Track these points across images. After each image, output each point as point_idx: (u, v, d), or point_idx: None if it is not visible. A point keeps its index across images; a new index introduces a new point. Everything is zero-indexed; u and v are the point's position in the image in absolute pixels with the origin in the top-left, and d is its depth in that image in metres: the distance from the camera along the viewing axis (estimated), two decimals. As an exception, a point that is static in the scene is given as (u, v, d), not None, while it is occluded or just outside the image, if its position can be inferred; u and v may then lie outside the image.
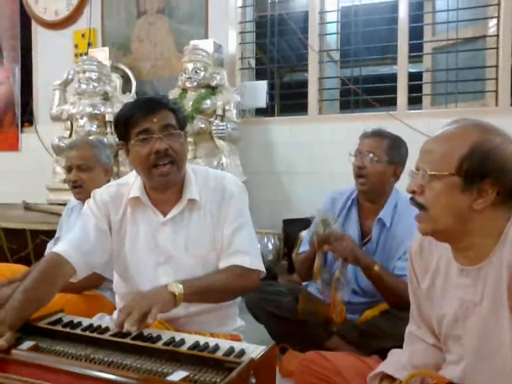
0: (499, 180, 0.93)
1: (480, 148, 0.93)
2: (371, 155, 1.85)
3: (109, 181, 1.97)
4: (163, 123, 1.33)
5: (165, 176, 1.34)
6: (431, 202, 0.97)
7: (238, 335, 1.49)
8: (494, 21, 3.29)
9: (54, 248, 1.37)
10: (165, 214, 1.41)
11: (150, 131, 1.32)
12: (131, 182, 1.45)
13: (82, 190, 1.98)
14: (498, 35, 3.25)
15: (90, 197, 1.48)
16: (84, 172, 1.98)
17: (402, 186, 1.85)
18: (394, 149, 1.87)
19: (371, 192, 1.91)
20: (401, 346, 1.21)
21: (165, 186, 1.38)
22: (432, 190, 0.97)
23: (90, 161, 1.99)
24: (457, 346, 1.04)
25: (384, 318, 1.81)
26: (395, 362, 1.12)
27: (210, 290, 1.32)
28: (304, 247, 2.01)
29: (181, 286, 1.23)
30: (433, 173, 0.96)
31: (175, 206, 1.40)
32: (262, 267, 1.42)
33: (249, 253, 1.39)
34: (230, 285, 1.36)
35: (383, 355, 1.29)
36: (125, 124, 1.35)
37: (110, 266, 1.53)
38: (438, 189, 0.96)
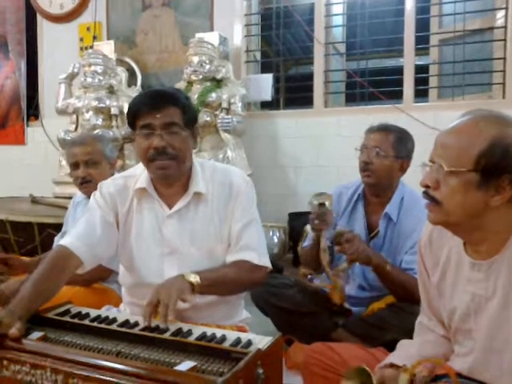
0: None
1: (499, 144, 0.91)
2: (378, 150, 1.84)
3: (113, 174, 1.96)
4: (166, 120, 1.32)
5: (162, 169, 1.34)
6: (446, 198, 0.96)
7: (244, 326, 1.49)
8: (502, 12, 3.25)
9: (60, 241, 1.38)
10: (171, 207, 1.41)
11: (151, 127, 1.33)
12: (138, 174, 1.45)
13: (90, 185, 1.96)
14: (505, 27, 3.22)
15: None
16: (92, 167, 1.97)
17: (408, 178, 1.86)
18: (400, 143, 1.86)
19: (377, 186, 1.90)
20: (406, 339, 1.21)
21: (163, 179, 1.38)
22: (448, 186, 0.95)
23: (96, 155, 1.98)
24: (467, 340, 1.04)
25: (390, 310, 1.81)
26: (404, 354, 1.12)
27: (222, 283, 1.34)
28: (308, 241, 2.00)
29: (197, 277, 1.24)
30: (450, 169, 0.94)
31: (181, 199, 1.40)
32: (268, 263, 1.43)
33: (257, 249, 1.40)
34: (240, 279, 1.37)
35: (389, 347, 1.29)
36: (132, 114, 1.36)
37: (117, 259, 1.54)
38: (454, 185, 0.94)
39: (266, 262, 1.42)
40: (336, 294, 1.81)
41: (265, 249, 1.45)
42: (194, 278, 1.24)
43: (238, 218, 1.40)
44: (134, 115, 1.35)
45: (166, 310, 1.13)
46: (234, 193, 1.41)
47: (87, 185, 1.98)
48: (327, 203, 1.75)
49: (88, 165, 1.97)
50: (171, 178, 1.37)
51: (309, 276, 2.09)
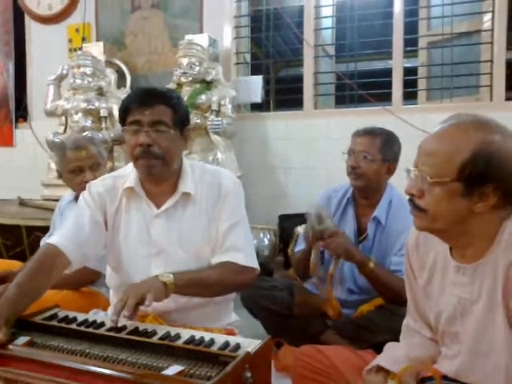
0: (501, 185, 0.91)
1: (482, 152, 0.91)
2: (365, 154, 1.84)
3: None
4: (154, 118, 1.32)
5: (148, 168, 1.34)
6: (431, 206, 0.96)
7: (233, 329, 1.49)
8: (489, 15, 3.29)
9: (48, 239, 1.36)
10: (159, 207, 1.41)
11: (139, 123, 1.32)
12: (127, 174, 1.45)
13: None
14: (492, 30, 3.26)
15: None
16: (96, 170, 1.94)
17: (395, 180, 1.87)
18: (387, 146, 1.87)
19: (366, 189, 1.91)
20: (395, 341, 1.22)
21: (149, 177, 1.38)
22: (432, 195, 0.96)
23: (97, 158, 1.97)
24: (454, 343, 1.05)
25: (379, 312, 1.82)
26: (391, 356, 1.13)
27: (202, 284, 1.32)
28: (300, 246, 2.01)
29: (171, 276, 1.24)
30: (434, 180, 0.94)
31: (169, 199, 1.40)
32: (256, 265, 1.42)
33: (243, 250, 1.39)
34: (224, 281, 1.36)
35: (378, 349, 1.29)
36: (123, 110, 1.36)
37: (105, 261, 1.53)
38: (438, 194, 0.95)
39: (253, 264, 1.40)
40: (330, 308, 1.83)
41: (252, 250, 1.44)
42: (168, 278, 1.23)
43: (225, 218, 1.40)
44: (125, 111, 1.36)
45: (122, 306, 1.13)
46: (223, 193, 1.41)
47: None
48: (329, 221, 1.79)
49: (93, 168, 1.95)
50: (157, 177, 1.37)
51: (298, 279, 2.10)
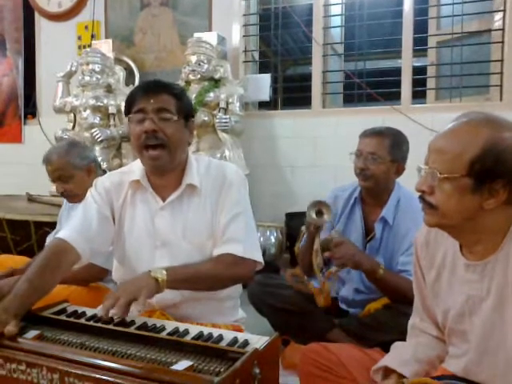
0: (511, 181, 0.92)
1: (492, 148, 0.91)
2: (374, 156, 1.82)
3: (102, 175, 1.94)
4: (158, 105, 1.33)
5: (154, 160, 1.34)
6: (441, 202, 0.97)
7: (240, 326, 1.49)
8: (500, 14, 3.26)
9: (57, 234, 1.37)
10: (164, 199, 1.41)
11: (144, 111, 1.34)
12: (134, 170, 1.46)
13: (72, 197, 2.01)
14: (503, 29, 3.23)
15: (83, 198, 1.48)
16: (66, 182, 1.97)
17: (404, 178, 1.87)
18: (395, 147, 1.85)
19: (374, 189, 1.89)
20: (402, 340, 1.22)
21: (155, 170, 1.39)
22: (442, 191, 0.96)
23: (66, 170, 1.97)
24: (461, 341, 1.05)
25: (386, 311, 1.81)
26: (398, 357, 1.13)
27: (196, 278, 1.32)
28: (303, 241, 2.00)
29: (164, 272, 1.24)
30: (444, 176, 0.95)
31: (174, 191, 1.41)
32: (258, 257, 1.39)
33: (243, 241, 1.37)
34: (219, 273, 1.34)
35: (385, 348, 1.29)
36: (128, 101, 1.39)
37: (113, 258, 1.54)
38: (448, 190, 0.95)
39: (253, 256, 1.38)
40: (321, 296, 1.80)
41: (254, 242, 1.43)
42: (160, 274, 1.23)
43: (226, 210, 1.39)
44: (130, 101, 1.38)
45: (111, 304, 1.13)
46: (226, 185, 1.41)
47: (70, 198, 2.02)
48: (325, 216, 1.76)
49: (62, 180, 1.98)
50: (162, 168, 1.38)
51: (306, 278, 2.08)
